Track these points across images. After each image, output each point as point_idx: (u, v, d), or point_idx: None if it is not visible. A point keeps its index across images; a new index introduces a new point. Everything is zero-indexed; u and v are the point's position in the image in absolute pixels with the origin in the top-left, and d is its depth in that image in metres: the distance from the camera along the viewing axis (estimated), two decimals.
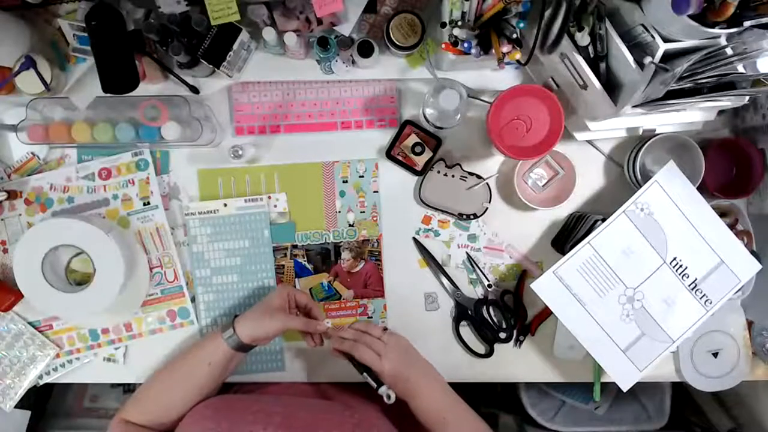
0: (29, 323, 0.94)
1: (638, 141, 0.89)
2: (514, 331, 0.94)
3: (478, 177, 0.93)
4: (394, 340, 0.82)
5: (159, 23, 0.82)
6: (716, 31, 0.66)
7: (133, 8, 0.88)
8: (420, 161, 0.91)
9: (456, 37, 0.77)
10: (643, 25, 0.71)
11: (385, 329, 0.84)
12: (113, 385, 1.35)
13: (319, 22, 0.86)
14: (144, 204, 0.93)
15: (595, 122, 0.85)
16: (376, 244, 0.94)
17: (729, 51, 0.70)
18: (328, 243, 0.94)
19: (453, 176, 0.93)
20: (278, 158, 0.94)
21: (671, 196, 0.85)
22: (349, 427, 0.73)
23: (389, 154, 0.93)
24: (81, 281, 0.93)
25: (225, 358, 0.82)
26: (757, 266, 0.87)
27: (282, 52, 0.89)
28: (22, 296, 0.88)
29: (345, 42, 0.85)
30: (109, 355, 0.95)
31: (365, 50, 0.84)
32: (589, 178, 0.94)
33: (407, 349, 0.83)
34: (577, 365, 0.94)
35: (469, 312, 0.94)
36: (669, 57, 0.71)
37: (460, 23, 0.78)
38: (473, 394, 1.04)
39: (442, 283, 0.94)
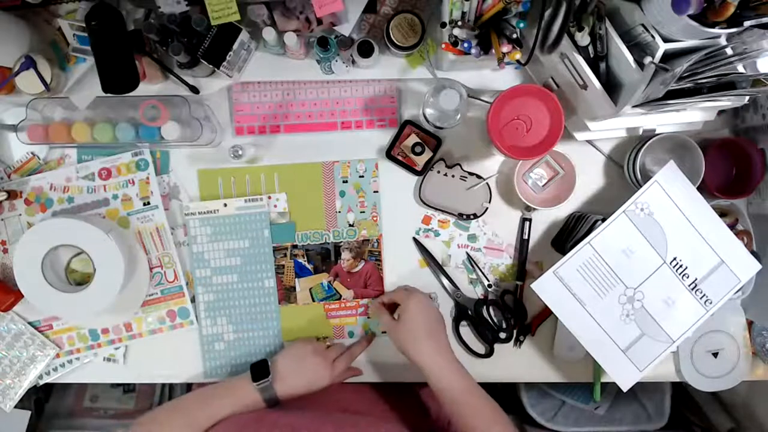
0: (29, 323, 0.94)
1: (638, 141, 0.89)
2: (514, 331, 0.94)
3: (478, 177, 0.93)
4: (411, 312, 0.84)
5: (159, 23, 0.82)
6: (716, 31, 0.66)
7: (133, 8, 0.88)
8: (420, 161, 0.91)
9: (456, 37, 0.77)
10: (643, 25, 0.71)
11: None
12: (113, 385, 1.35)
13: (319, 22, 0.86)
14: (144, 204, 0.93)
15: (595, 122, 0.85)
16: (376, 244, 0.94)
17: (729, 51, 0.70)
18: (328, 243, 0.94)
19: (453, 176, 0.93)
20: (278, 158, 0.94)
21: (671, 196, 0.85)
22: None
23: (389, 154, 0.93)
24: (81, 281, 0.93)
25: (254, 408, 0.81)
26: (757, 266, 0.87)
27: (282, 52, 0.89)
28: (22, 296, 0.88)
29: (345, 42, 0.85)
30: (109, 355, 0.95)
31: (365, 50, 0.84)
32: (589, 178, 0.94)
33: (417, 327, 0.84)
34: (577, 365, 0.94)
35: (469, 312, 0.94)
36: (669, 57, 0.71)
37: (460, 23, 0.78)
38: None
39: (442, 283, 0.94)
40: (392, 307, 0.91)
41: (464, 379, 0.80)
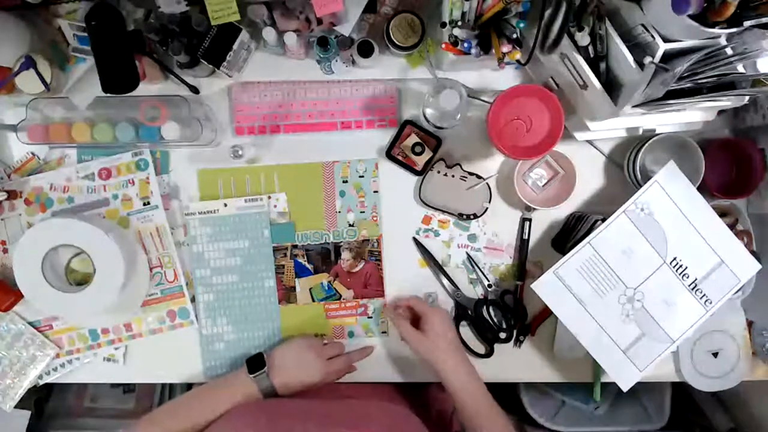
0: (29, 323, 0.94)
1: (638, 141, 0.89)
2: (514, 331, 0.94)
3: (478, 177, 0.93)
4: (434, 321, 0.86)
5: (159, 23, 0.82)
6: (716, 31, 0.66)
7: (133, 8, 0.88)
8: (420, 161, 0.91)
9: (456, 37, 0.77)
10: (643, 25, 0.71)
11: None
12: (113, 385, 1.35)
13: (319, 22, 0.86)
14: (144, 204, 0.93)
15: (595, 122, 0.85)
16: (376, 244, 0.94)
17: (729, 51, 0.70)
18: (328, 243, 0.94)
19: (453, 176, 0.93)
20: (278, 158, 0.94)
21: (671, 196, 0.85)
22: (386, 422, 0.74)
23: (389, 154, 0.93)
24: (81, 281, 0.93)
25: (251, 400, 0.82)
26: (757, 266, 0.87)
27: (282, 52, 0.89)
28: (22, 296, 0.88)
29: (345, 42, 0.85)
30: (109, 355, 0.95)
31: (365, 50, 0.84)
32: (589, 178, 0.94)
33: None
34: (577, 365, 0.94)
35: (469, 312, 0.94)
36: (669, 57, 0.71)
37: (460, 23, 0.78)
38: None
39: (442, 283, 0.94)
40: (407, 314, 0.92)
41: (484, 393, 0.83)
